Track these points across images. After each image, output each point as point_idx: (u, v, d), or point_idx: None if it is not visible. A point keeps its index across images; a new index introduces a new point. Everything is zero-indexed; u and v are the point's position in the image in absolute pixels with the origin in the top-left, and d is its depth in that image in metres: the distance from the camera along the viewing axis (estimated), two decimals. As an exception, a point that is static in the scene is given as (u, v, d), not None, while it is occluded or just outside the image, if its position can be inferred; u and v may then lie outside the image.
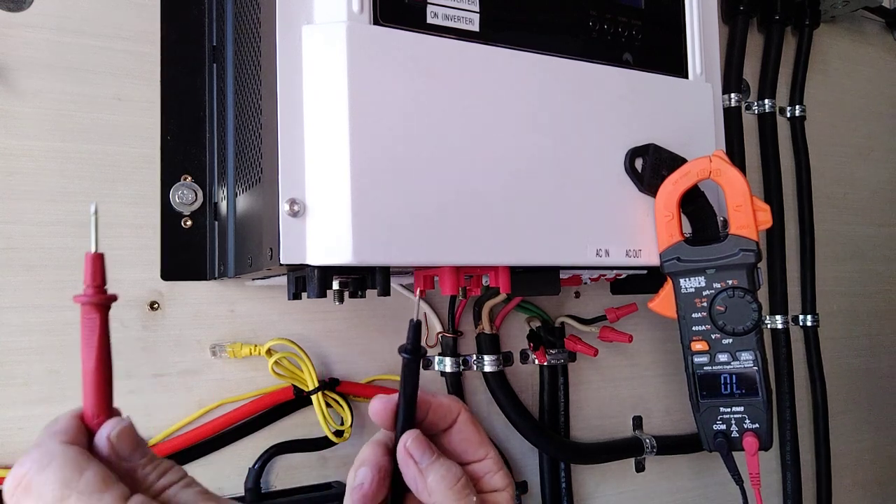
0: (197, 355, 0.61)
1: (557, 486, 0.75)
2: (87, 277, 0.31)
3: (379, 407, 0.37)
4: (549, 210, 0.50)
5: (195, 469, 0.60)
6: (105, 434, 0.30)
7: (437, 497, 0.35)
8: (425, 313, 0.70)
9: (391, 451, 0.37)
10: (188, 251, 0.60)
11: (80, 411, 0.31)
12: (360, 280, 0.48)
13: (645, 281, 0.64)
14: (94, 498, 0.27)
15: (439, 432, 0.38)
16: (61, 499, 0.27)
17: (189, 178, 0.61)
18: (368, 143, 0.44)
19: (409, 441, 0.36)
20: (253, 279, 0.60)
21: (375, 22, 0.45)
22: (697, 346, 0.57)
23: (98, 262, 0.32)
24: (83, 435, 0.30)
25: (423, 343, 0.36)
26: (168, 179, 0.60)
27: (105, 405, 0.31)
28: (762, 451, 0.57)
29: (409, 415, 0.36)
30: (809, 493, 0.91)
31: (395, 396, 0.37)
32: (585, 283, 0.71)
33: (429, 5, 0.47)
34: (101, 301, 0.32)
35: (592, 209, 0.52)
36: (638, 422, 0.81)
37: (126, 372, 0.58)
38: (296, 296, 0.50)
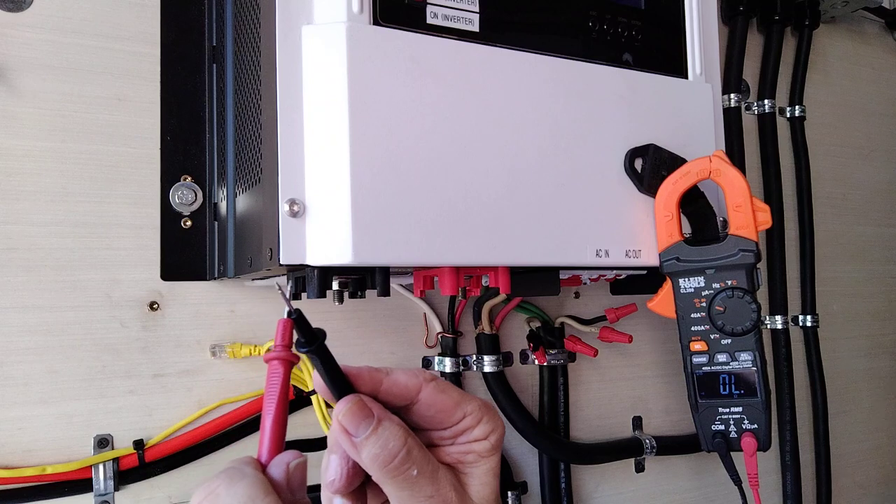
0: (197, 355, 0.61)
1: (557, 486, 0.75)
2: (277, 338, 0.35)
3: (317, 385, 0.34)
4: (549, 210, 0.50)
5: (195, 469, 0.60)
6: (286, 461, 0.33)
7: (374, 474, 0.32)
8: (425, 314, 0.70)
9: None
10: (188, 251, 0.60)
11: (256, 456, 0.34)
12: (360, 280, 0.48)
13: (644, 281, 0.64)
14: None
15: (402, 407, 0.34)
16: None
17: (189, 178, 0.61)
18: (368, 144, 0.44)
19: (341, 410, 0.32)
20: (253, 279, 0.60)
21: (375, 22, 0.45)
22: (696, 346, 0.57)
23: (289, 326, 0.34)
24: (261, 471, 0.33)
25: (311, 327, 0.33)
26: (168, 179, 0.60)
27: (280, 446, 0.34)
28: (761, 451, 0.57)
29: (341, 389, 0.33)
30: (809, 494, 0.91)
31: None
32: (585, 284, 0.71)
33: (428, 6, 0.47)
34: (288, 359, 0.35)
35: (592, 209, 0.52)
36: (637, 422, 0.81)
37: (126, 372, 0.58)
38: (295, 296, 0.50)
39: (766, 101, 0.90)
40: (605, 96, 0.53)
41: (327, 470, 0.34)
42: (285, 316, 0.33)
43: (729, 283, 0.55)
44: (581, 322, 0.75)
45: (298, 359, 0.36)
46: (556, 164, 0.51)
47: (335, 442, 0.33)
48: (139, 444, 0.57)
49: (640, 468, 0.80)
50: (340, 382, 0.33)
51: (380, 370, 0.34)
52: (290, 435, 0.63)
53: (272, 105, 0.44)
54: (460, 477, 0.35)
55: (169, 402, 0.59)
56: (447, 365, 0.69)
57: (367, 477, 0.34)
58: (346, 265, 0.44)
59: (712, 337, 0.56)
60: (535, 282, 0.56)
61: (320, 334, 0.33)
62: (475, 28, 0.49)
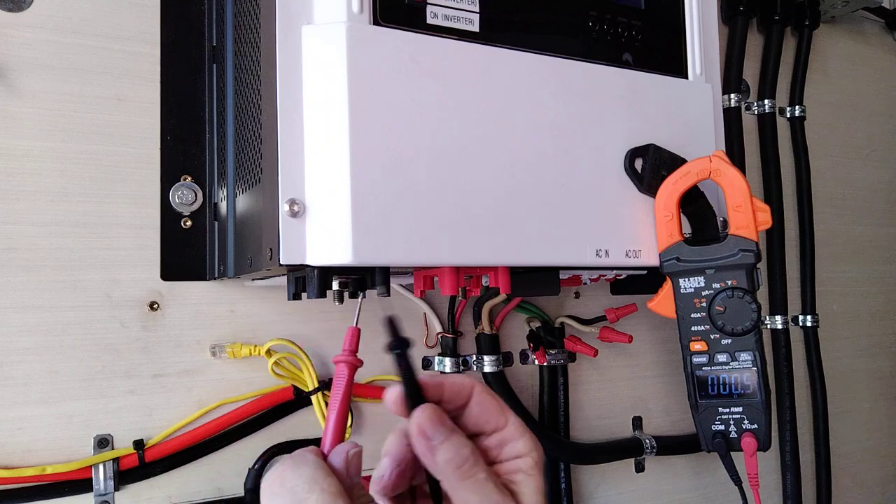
0: (197, 355, 0.61)
1: (557, 486, 0.75)
2: (345, 343, 0.41)
3: (391, 396, 0.37)
4: (549, 210, 0.50)
5: (195, 469, 0.60)
6: (345, 449, 0.37)
7: (446, 476, 0.35)
8: (425, 314, 0.70)
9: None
10: (188, 251, 0.60)
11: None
12: (360, 280, 0.48)
13: (644, 281, 0.64)
14: (331, 499, 0.34)
15: (457, 409, 0.38)
16: (308, 491, 0.34)
17: (189, 178, 0.61)
18: (368, 144, 0.44)
19: (421, 416, 0.35)
20: (253, 279, 0.60)
21: (375, 22, 0.45)
22: (696, 346, 0.57)
23: (356, 334, 0.42)
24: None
25: (403, 334, 0.37)
26: (168, 179, 0.60)
27: (341, 437, 0.40)
28: (761, 451, 0.57)
29: (416, 397, 0.36)
30: (809, 494, 0.91)
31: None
32: (585, 284, 0.71)
33: (428, 5, 0.47)
34: (353, 363, 0.42)
35: (592, 209, 0.52)
36: (637, 422, 0.81)
37: (126, 372, 0.58)
38: (296, 296, 0.50)
39: (766, 101, 0.90)
40: (605, 96, 0.53)
41: (378, 469, 0.36)
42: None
43: (729, 283, 0.55)
44: (581, 322, 0.75)
45: (361, 363, 0.42)
46: (556, 164, 0.51)
47: (392, 445, 0.36)
48: (139, 444, 0.58)
49: (640, 468, 0.80)
50: (415, 389, 0.36)
51: (436, 375, 0.38)
52: (291, 435, 0.63)
53: (272, 105, 0.44)
54: (513, 497, 0.37)
55: (169, 402, 0.59)
56: (447, 365, 0.69)
57: (412, 495, 0.38)
58: (345, 265, 0.44)
59: (712, 337, 0.56)
60: (535, 282, 0.56)
61: (411, 342, 0.37)
62: (475, 28, 0.49)
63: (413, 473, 0.37)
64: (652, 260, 0.55)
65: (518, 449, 0.37)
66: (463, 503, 0.35)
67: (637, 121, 0.55)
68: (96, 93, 0.58)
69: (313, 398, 0.61)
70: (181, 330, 0.60)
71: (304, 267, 0.45)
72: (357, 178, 0.43)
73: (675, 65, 0.58)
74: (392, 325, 0.36)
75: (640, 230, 0.54)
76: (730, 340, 0.56)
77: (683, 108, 0.58)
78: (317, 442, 0.63)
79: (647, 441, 0.78)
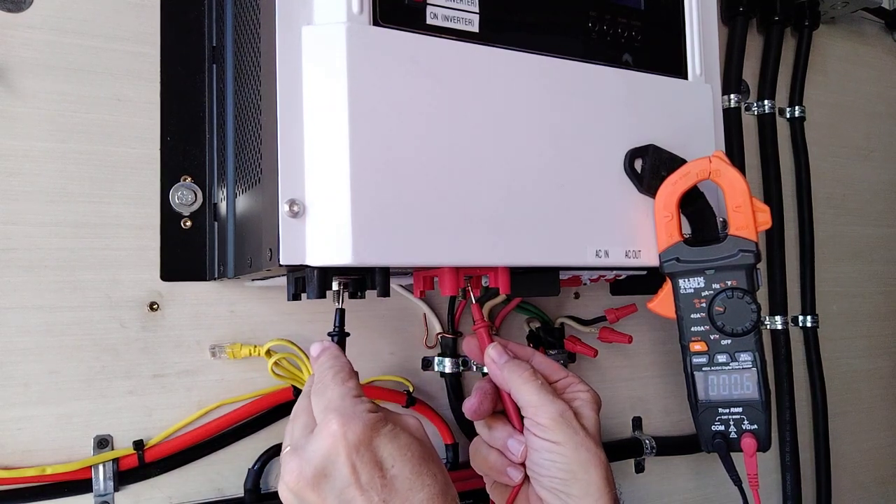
0: (196, 356, 0.61)
1: (557, 486, 0.74)
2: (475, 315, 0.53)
3: (468, 345, 0.53)
4: (549, 211, 0.50)
5: (195, 470, 0.60)
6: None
7: (512, 384, 0.48)
8: (425, 314, 0.70)
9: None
10: (188, 252, 0.60)
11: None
12: (360, 281, 0.48)
13: (644, 281, 0.64)
14: (342, 380, 0.44)
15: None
16: (335, 374, 0.44)
17: (189, 178, 0.61)
18: (368, 144, 0.44)
19: (490, 348, 0.50)
20: (252, 280, 0.60)
21: (375, 23, 0.45)
22: (696, 346, 0.57)
23: (485, 332, 0.52)
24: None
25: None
26: (168, 180, 0.60)
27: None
28: (761, 452, 0.57)
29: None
30: (809, 494, 0.91)
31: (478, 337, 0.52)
32: (585, 284, 0.71)
33: (428, 6, 0.47)
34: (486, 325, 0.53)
35: (592, 210, 0.52)
36: (637, 422, 0.81)
37: (126, 372, 0.58)
38: (295, 296, 0.50)
39: (765, 102, 0.90)
40: (605, 97, 0.53)
41: (467, 402, 0.50)
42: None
43: (729, 283, 0.55)
44: (581, 322, 0.75)
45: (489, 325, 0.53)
46: (555, 165, 0.51)
47: (477, 385, 0.51)
48: (139, 445, 0.57)
49: (640, 468, 0.80)
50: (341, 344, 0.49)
51: (501, 340, 0.52)
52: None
53: (272, 105, 0.44)
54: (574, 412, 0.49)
55: (169, 402, 0.59)
56: (447, 365, 0.69)
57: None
58: (345, 266, 0.44)
59: (712, 337, 0.56)
60: (535, 282, 0.56)
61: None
62: (475, 28, 0.49)
63: (491, 399, 0.50)
64: (652, 260, 0.55)
65: (577, 388, 0.51)
66: (527, 402, 0.47)
67: (637, 121, 0.55)
68: (96, 93, 0.58)
69: (313, 398, 0.61)
70: (181, 330, 0.60)
71: (303, 267, 0.45)
72: (357, 178, 0.43)
73: (674, 65, 0.58)
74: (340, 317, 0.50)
75: (640, 230, 0.55)
76: (730, 341, 0.56)
77: (683, 108, 0.58)
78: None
79: (647, 441, 0.78)
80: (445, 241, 0.46)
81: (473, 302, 0.52)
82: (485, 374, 0.52)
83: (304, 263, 0.44)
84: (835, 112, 1.00)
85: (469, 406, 0.50)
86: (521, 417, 0.49)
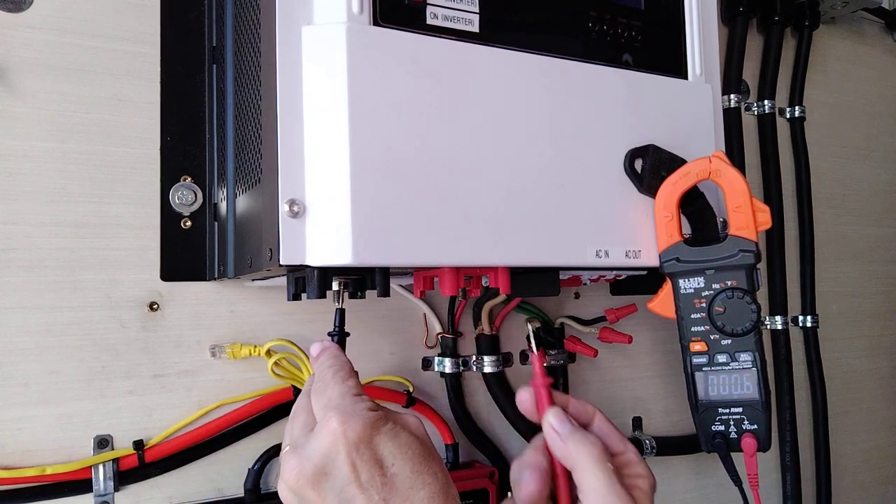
0: (196, 356, 0.61)
1: (557, 486, 0.75)
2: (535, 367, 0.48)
3: (521, 397, 0.47)
4: (549, 211, 0.50)
5: (195, 470, 0.60)
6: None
7: (579, 462, 0.41)
8: (425, 314, 0.70)
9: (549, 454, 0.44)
10: (188, 252, 0.60)
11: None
12: (360, 281, 0.48)
13: (644, 281, 0.64)
14: (342, 379, 0.43)
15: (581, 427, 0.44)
16: (335, 372, 0.43)
17: (189, 178, 0.61)
18: (368, 144, 0.44)
19: (551, 415, 0.44)
20: (252, 280, 0.60)
21: (375, 23, 0.45)
22: (696, 346, 0.57)
23: (541, 358, 0.48)
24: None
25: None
26: (168, 180, 0.60)
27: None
28: (761, 452, 0.57)
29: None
30: (809, 494, 0.91)
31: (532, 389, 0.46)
32: (585, 284, 0.71)
33: (428, 6, 0.47)
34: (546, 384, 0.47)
35: (592, 210, 0.52)
36: (637, 422, 0.81)
37: (126, 372, 0.58)
38: (295, 296, 0.50)
39: (765, 102, 0.90)
40: (605, 97, 0.53)
41: (519, 483, 0.43)
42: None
43: (729, 283, 0.55)
44: (581, 322, 0.75)
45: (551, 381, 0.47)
46: (555, 165, 0.51)
47: (526, 460, 0.44)
48: (139, 445, 0.57)
49: (639, 468, 0.80)
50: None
51: (562, 394, 0.46)
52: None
53: (272, 105, 0.44)
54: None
55: (169, 402, 0.59)
56: (447, 365, 0.69)
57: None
58: (346, 266, 0.44)
59: (712, 337, 0.56)
60: (534, 282, 0.56)
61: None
62: (475, 28, 0.49)
63: (549, 481, 0.43)
64: (652, 260, 0.55)
65: (638, 471, 0.43)
66: (591, 487, 0.41)
67: (637, 121, 0.55)
68: (96, 93, 0.58)
69: (313, 398, 0.61)
70: (181, 330, 0.60)
71: (303, 267, 0.45)
72: (357, 178, 0.43)
73: (674, 65, 0.58)
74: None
75: (640, 231, 0.55)
76: (730, 341, 0.56)
77: (683, 108, 0.58)
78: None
79: (647, 441, 0.78)
80: (445, 241, 0.46)
81: (534, 351, 0.47)
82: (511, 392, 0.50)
83: (304, 263, 0.44)
84: (835, 112, 1.00)
85: (526, 493, 0.42)
86: (574, 498, 0.43)
